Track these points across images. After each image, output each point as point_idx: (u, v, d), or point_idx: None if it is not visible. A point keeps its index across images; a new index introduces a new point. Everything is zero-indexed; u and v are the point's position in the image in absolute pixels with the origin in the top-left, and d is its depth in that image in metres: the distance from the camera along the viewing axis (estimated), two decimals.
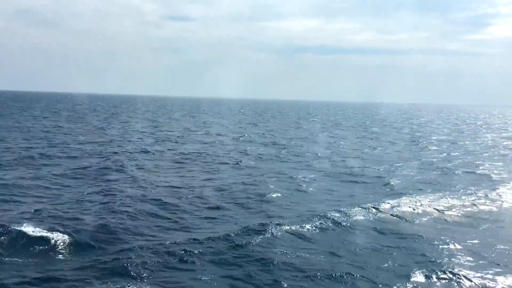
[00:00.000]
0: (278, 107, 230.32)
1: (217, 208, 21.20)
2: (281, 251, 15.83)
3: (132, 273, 13.67)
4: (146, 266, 14.20)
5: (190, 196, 22.92)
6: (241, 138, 52.41)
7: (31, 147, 37.67)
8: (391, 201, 22.81)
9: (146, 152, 37.43)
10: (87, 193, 22.56)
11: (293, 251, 15.95)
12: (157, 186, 24.84)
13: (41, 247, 15.55)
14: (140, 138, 48.86)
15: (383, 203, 22.35)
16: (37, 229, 16.79)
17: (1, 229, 16.32)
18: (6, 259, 14.57)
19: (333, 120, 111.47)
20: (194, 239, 16.57)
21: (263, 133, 60.81)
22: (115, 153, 36.27)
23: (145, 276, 13.62)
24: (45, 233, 16.54)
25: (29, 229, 16.61)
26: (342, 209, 20.95)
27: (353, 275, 14.19)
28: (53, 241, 15.97)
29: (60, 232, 16.68)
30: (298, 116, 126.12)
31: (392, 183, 27.84)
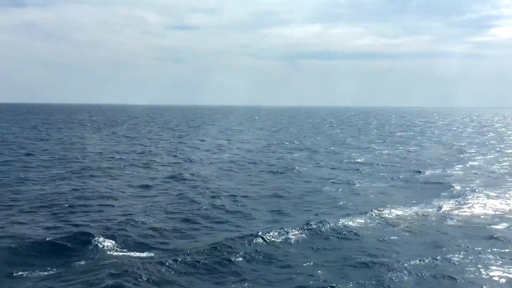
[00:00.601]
0: (288, 113, 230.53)
1: (293, 216, 21.33)
2: (377, 253, 15.96)
3: (236, 269, 14.37)
4: (246, 265, 14.80)
5: (255, 203, 23.17)
6: (272, 146, 52.41)
7: (76, 158, 38.23)
8: (459, 204, 22.88)
9: (191, 161, 37.66)
10: (158, 202, 22.89)
11: (388, 253, 16.08)
12: (221, 194, 25.02)
13: (136, 254, 15.77)
14: (175, 148, 49.16)
15: (452, 206, 22.47)
16: (127, 237, 17.11)
17: (91, 237, 16.64)
18: (104, 262, 14.78)
19: (350, 125, 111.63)
20: (282, 242, 16.77)
21: (293, 141, 60.54)
22: (161, 163, 36.59)
23: (248, 275, 14.02)
24: (135, 240, 16.87)
25: (119, 238, 16.94)
26: (415, 212, 21.16)
27: (456, 278, 14.24)
28: (143, 247, 16.29)
29: (150, 239, 17.02)
30: (314, 122, 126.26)
31: (451, 186, 27.78)
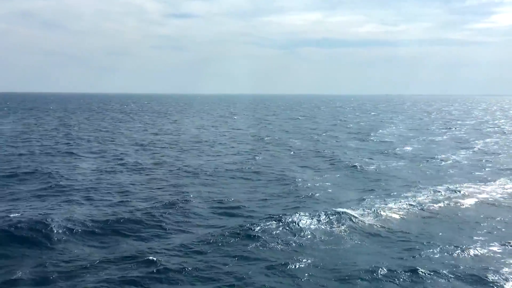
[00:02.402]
0: (301, 102, 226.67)
1: None
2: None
3: None
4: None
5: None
6: (372, 137, 49.82)
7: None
8: None
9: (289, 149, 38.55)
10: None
11: None
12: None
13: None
14: (231, 139, 48.30)
15: None
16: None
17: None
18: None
19: (393, 112, 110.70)
20: None
21: (369, 132, 56.38)
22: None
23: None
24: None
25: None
26: None
27: None
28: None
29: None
30: (345, 111, 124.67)
31: None
